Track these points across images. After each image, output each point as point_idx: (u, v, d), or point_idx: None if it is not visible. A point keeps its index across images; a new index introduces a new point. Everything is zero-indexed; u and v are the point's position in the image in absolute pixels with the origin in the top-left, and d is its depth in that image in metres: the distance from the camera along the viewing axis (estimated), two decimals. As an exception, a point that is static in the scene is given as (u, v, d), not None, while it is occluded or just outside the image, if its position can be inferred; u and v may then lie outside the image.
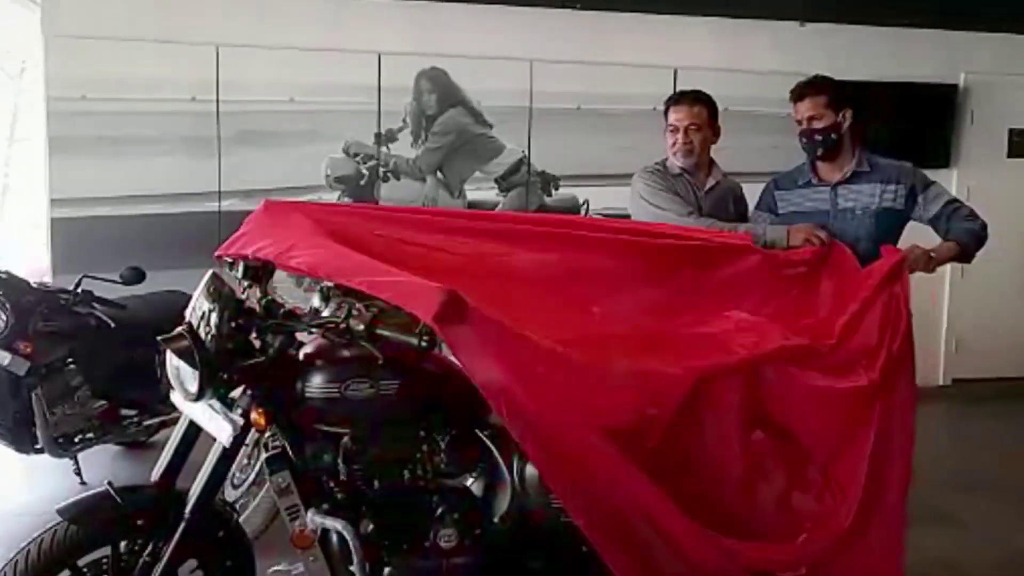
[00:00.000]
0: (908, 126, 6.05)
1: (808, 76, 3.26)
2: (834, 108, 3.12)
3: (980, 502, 4.01)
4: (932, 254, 2.85)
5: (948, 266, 6.11)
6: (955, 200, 3.08)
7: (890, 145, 6.02)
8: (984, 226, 3.03)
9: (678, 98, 3.41)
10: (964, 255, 3.03)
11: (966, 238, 2.99)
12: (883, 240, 2.94)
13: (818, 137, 3.09)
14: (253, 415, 2.20)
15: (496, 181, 5.75)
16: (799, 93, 3.17)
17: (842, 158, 3.14)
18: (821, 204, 3.11)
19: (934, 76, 6.03)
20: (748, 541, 2.34)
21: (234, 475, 3.19)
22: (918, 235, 3.05)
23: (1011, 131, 6.40)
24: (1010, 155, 6.41)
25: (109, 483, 2.22)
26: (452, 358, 2.58)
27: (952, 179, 6.23)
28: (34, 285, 3.91)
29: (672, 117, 3.38)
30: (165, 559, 2.21)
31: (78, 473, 3.93)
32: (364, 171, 5.60)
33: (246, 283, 2.41)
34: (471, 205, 5.73)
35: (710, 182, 3.42)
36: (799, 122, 3.15)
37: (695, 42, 5.77)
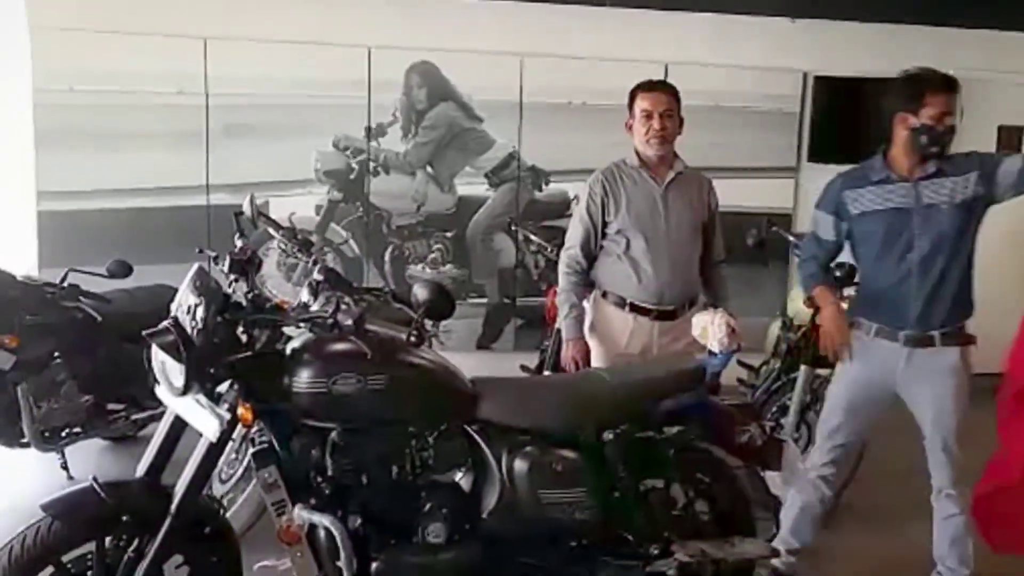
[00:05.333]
0: (897, 122, 6.07)
1: (925, 69, 3.00)
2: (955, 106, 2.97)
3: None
4: None
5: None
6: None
7: (878, 140, 6.12)
8: None
9: (650, 85, 3.32)
10: None
11: None
12: (967, 233, 2.93)
13: (946, 139, 2.94)
14: (240, 410, 2.19)
15: (486, 176, 5.73)
16: (942, 86, 2.92)
17: None
18: (903, 202, 2.96)
19: (924, 72, 6.04)
20: None
21: (222, 470, 3.18)
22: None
23: (1000, 128, 6.40)
24: (999, 152, 6.42)
25: (94, 478, 2.20)
26: (442, 353, 2.58)
27: (941, 175, 6.24)
28: (20, 279, 3.87)
29: (645, 103, 3.27)
30: (150, 555, 2.20)
31: (65, 467, 3.91)
32: (354, 165, 5.58)
33: (232, 277, 2.39)
34: (461, 200, 5.72)
35: (671, 174, 3.33)
36: (932, 118, 2.90)
37: (686, 37, 5.75)
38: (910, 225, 2.92)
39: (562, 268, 3.42)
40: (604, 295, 3.39)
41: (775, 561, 3.22)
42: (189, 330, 2.14)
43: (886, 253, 2.98)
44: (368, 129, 5.55)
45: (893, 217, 2.95)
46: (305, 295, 2.47)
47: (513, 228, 5.72)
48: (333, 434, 2.30)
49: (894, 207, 2.97)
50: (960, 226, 2.93)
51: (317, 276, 2.45)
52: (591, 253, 3.38)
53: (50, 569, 2.18)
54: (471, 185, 5.73)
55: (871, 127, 6.09)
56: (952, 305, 2.97)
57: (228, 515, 2.62)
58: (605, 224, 3.34)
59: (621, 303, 3.34)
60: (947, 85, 2.92)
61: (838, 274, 3.90)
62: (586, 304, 3.45)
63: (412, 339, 2.14)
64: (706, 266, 3.45)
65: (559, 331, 4.55)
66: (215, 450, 2.25)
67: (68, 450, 3.93)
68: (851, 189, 3.06)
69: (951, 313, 2.98)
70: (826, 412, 3.23)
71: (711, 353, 2.70)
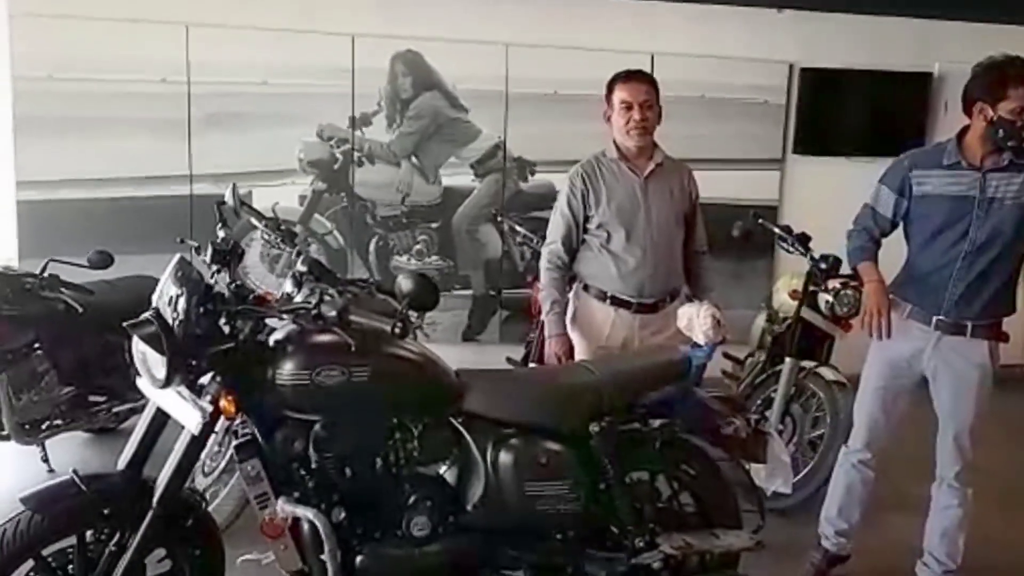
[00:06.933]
0: (882, 114, 6.08)
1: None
2: None
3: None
4: None
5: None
6: None
7: (864, 132, 6.16)
8: None
9: (628, 76, 3.31)
10: None
11: None
12: (1021, 234, 2.89)
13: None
14: (222, 402, 2.17)
15: (471, 166, 5.70)
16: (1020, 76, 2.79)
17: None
18: (967, 190, 2.90)
19: (909, 64, 6.05)
20: None
21: (205, 463, 3.16)
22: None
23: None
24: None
25: (74, 471, 2.18)
26: (428, 345, 2.57)
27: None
28: (-1, 269, 3.84)
29: (625, 94, 3.27)
30: (132, 549, 2.18)
31: (45, 460, 3.88)
32: (338, 155, 5.54)
33: (215, 267, 2.37)
34: (446, 190, 5.70)
35: (651, 165, 3.33)
36: (1012, 112, 2.78)
37: (672, 28, 5.74)
38: (970, 215, 2.89)
39: (543, 264, 3.41)
40: (586, 288, 3.39)
41: (826, 543, 3.26)
42: (171, 321, 2.12)
43: (939, 238, 2.96)
44: (352, 119, 5.51)
45: (955, 204, 2.91)
46: (288, 286, 2.45)
47: (499, 219, 5.69)
48: (316, 426, 2.28)
49: (958, 195, 2.92)
50: (1018, 225, 2.89)
51: (301, 267, 2.43)
52: (572, 247, 3.38)
53: (30, 563, 2.16)
54: (456, 176, 5.71)
55: (857, 119, 6.16)
56: (991, 300, 2.95)
57: (211, 508, 2.60)
58: (587, 219, 3.33)
59: (602, 296, 3.34)
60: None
61: (823, 266, 3.91)
62: (569, 296, 3.44)
63: (396, 331, 2.13)
64: (688, 256, 3.45)
65: (544, 323, 4.58)
66: (197, 443, 2.23)
67: (49, 443, 3.90)
68: (920, 169, 3.00)
69: (988, 308, 2.96)
70: (860, 396, 3.23)
71: (696, 345, 2.69)
